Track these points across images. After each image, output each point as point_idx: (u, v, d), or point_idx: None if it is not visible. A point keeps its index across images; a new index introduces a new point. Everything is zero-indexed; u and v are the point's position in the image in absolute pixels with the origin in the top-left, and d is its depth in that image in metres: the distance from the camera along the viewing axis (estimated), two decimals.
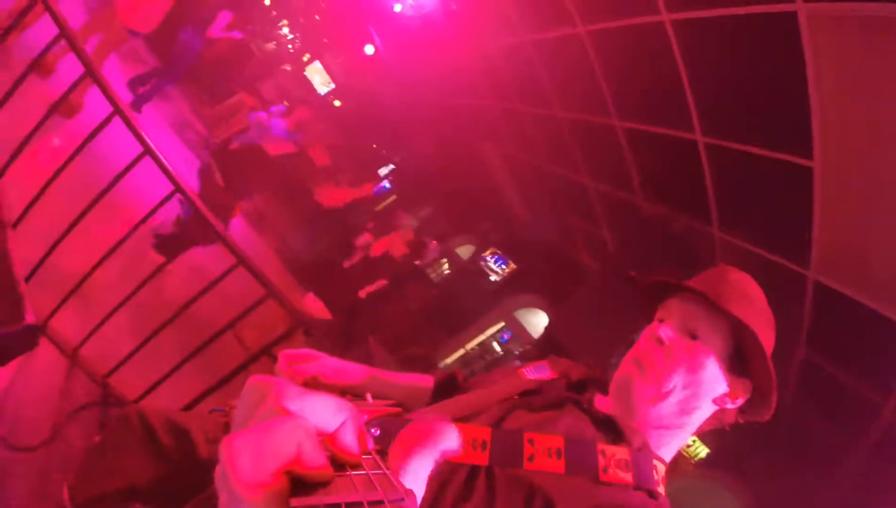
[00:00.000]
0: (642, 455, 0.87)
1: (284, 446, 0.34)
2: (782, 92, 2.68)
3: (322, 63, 11.86)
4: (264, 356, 2.50)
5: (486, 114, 7.17)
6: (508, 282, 10.62)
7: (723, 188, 3.60)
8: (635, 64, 3.66)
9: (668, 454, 0.94)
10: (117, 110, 2.26)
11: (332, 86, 12.03)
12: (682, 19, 3.02)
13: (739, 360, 0.94)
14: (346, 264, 4.62)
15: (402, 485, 0.37)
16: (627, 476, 0.83)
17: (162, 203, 2.32)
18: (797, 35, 2.36)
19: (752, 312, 0.93)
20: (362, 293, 4.47)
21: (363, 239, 4.63)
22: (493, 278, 10.89)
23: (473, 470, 0.83)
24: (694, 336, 0.94)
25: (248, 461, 0.32)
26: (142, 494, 1.17)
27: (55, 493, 1.75)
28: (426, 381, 1.22)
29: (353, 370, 1.13)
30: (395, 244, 4.48)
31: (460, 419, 0.90)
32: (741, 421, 1.00)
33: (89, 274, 2.22)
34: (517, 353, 9.98)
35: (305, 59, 11.74)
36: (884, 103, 2.20)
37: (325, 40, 11.39)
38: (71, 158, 2.32)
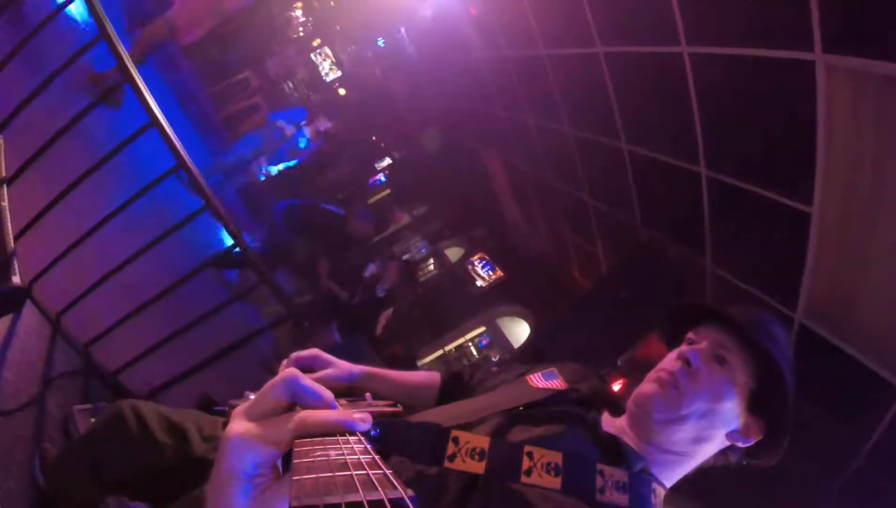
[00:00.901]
0: (641, 479, 0.86)
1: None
2: (790, 137, 2.71)
3: (332, 50, 11.75)
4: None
5: (493, 121, 7.18)
6: (494, 288, 10.61)
7: (720, 223, 3.64)
8: (649, 91, 3.68)
9: (669, 479, 0.93)
10: (128, 77, 2.22)
11: (339, 74, 11.92)
12: (700, 53, 3.06)
13: (758, 400, 0.94)
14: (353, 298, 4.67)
15: (402, 485, 0.37)
16: (623, 499, 0.81)
17: (165, 176, 2.28)
18: (812, 84, 2.40)
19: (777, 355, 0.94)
20: (379, 330, 4.55)
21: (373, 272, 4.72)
22: (479, 282, 10.87)
23: (470, 480, 0.81)
24: (722, 365, 0.94)
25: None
26: (129, 488, 1.15)
27: (27, 460, 1.71)
28: (433, 379, 1.21)
29: (361, 372, 1.09)
30: (388, 272, 4.59)
31: (462, 427, 0.89)
32: (745, 462, 1.00)
33: (80, 241, 2.18)
34: (494, 359, 9.96)
35: (316, 43, 11.62)
36: (890, 163, 2.24)
37: (338, 28, 11.30)
38: (74, 120, 2.27)
